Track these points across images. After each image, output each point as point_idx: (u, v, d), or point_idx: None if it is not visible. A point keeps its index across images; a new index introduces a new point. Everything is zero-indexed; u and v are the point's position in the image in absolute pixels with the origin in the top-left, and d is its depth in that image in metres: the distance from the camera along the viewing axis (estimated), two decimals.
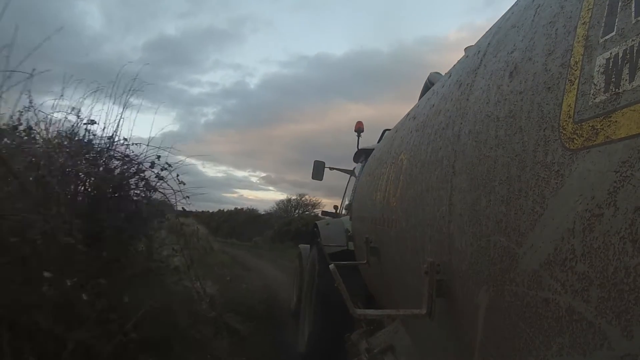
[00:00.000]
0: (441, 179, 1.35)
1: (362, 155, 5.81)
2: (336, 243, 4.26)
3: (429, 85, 2.75)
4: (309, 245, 5.70)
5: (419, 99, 2.60)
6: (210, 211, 38.40)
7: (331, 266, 2.13)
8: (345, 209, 5.92)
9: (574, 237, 0.65)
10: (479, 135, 1.09)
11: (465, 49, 1.96)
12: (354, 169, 6.27)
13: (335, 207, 6.75)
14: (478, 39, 1.50)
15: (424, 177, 1.57)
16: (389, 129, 5.74)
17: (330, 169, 6.80)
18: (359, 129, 6.05)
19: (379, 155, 3.07)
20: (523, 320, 0.79)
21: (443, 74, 2.37)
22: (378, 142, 5.61)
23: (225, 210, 37.01)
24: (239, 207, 36.28)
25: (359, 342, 2.55)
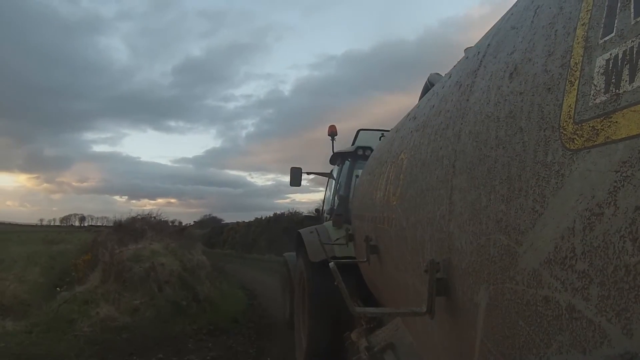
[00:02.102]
0: (441, 179, 1.35)
1: (338, 158, 5.81)
2: (321, 251, 4.22)
3: (429, 86, 2.76)
4: (294, 253, 5.64)
5: (419, 100, 2.61)
6: (246, 221, 31.33)
7: (331, 264, 2.14)
8: (328, 213, 5.84)
9: (574, 236, 0.65)
10: (479, 136, 1.10)
11: (465, 50, 1.97)
12: (332, 171, 6.25)
13: (317, 210, 6.69)
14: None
15: (424, 176, 1.58)
16: (363, 129, 5.75)
17: (308, 173, 6.79)
18: (332, 132, 5.99)
19: (379, 155, 3.07)
20: (523, 319, 0.80)
21: (443, 74, 2.38)
22: (352, 143, 5.61)
23: (262, 218, 29.62)
24: (278, 212, 29.02)
25: (359, 341, 2.56)
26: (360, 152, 5.15)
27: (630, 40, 0.62)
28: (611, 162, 0.60)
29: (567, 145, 0.71)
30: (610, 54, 0.65)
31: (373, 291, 3.30)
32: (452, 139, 1.31)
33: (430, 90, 2.13)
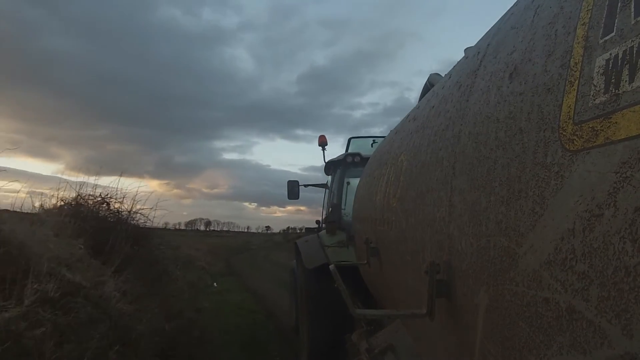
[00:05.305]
0: (441, 180, 1.35)
1: (331, 167, 5.83)
2: (315, 258, 4.32)
3: (428, 86, 2.75)
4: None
5: (419, 101, 2.61)
6: None
7: (331, 267, 2.14)
8: (323, 222, 5.89)
9: (574, 237, 0.65)
10: (479, 137, 1.10)
11: (465, 50, 1.97)
12: (327, 182, 6.27)
13: (318, 221, 6.74)
14: None
15: (424, 178, 1.57)
16: (355, 137, 5.77)
17: (305, 186, 6.81)
18: (322, 142, 6.06)
19: (379, 156, 3.07)
20: (523, 320, 0.80)
21: (443, 75, 2.38)
22: (346, 150, 5.63)
23: None
24: None
25: (359, 342, 2.55)
26: (349, 159, 5.19)
27: (630, 40, 0.61)
28: (611, 163, 0.60)
29: (567, 146, 0.71)
30: (610, 54, 0.65)
31: (373, 293, 3.30)
32: (452, 140, 1.31)
33: (430, 91, 2.12)
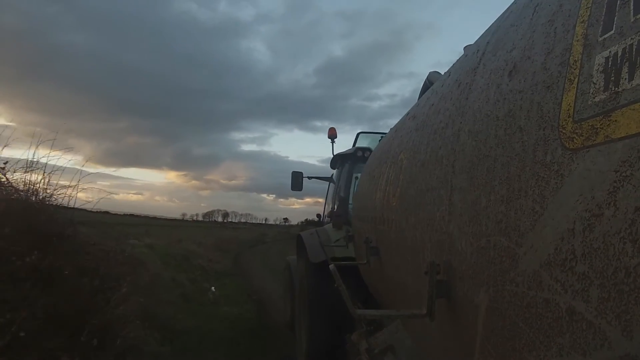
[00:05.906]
0: (441, 179, 1.35)
1: (338, 160, 5.79)
2: (321, 252, 4.25)
3: (428, 84, 2.74)
4: (296, 257, 5.65)
5: (419, 99, 2.60)
6: None
7: (331, 266, 2.13)
8: (328, 216, 5.86)
9: (574, 237, 0.65)
10: (479, 135, 1.09)
11: (465, 47, 1.96)
12: (332, 175, 6.24)
13: (318, 215, 6.70)
14: None
15: (423, 176, 1.57)
16: (363, 132, 5.76)
17: (309, 178, 6.78)
18: (332, 135, 6.02)
19: (378, 155, 3.06)
20: (523, 321, 0.79)
21: (442, 73, 2.37)
22: (353, 145, 5.61)
23: None
24: None
25: (359, 343, 2.55)
26: (359, 153, 5.15)
27: (629, 38, 0.61)
28: (611, 161, 0.59)
29: (567, 145, 0.70)
30: (610, 52, 0.64)
31: (373, 293, 3.29)
32: (452, 138, 1.30)
33: (430, 89, 2.12)
